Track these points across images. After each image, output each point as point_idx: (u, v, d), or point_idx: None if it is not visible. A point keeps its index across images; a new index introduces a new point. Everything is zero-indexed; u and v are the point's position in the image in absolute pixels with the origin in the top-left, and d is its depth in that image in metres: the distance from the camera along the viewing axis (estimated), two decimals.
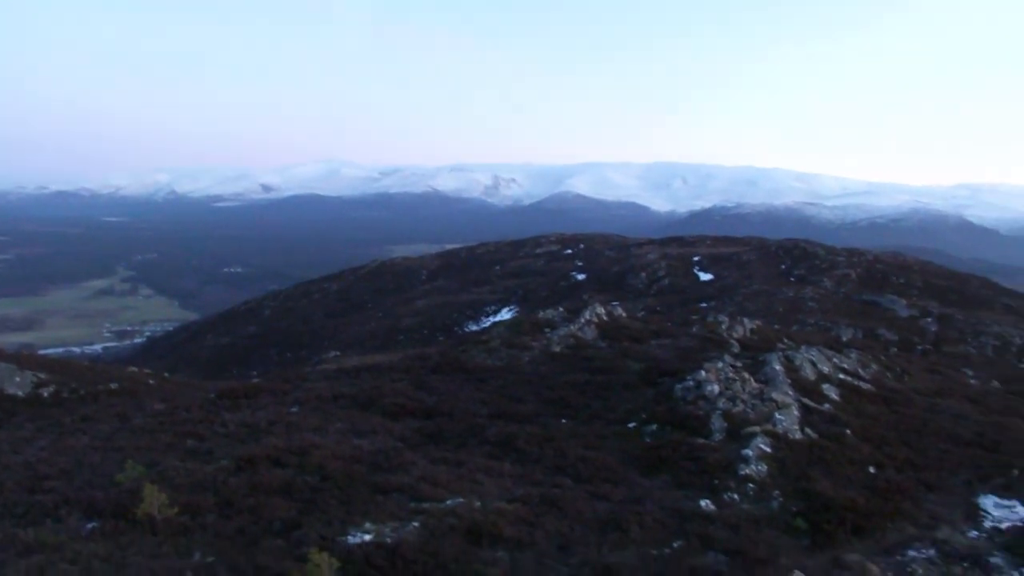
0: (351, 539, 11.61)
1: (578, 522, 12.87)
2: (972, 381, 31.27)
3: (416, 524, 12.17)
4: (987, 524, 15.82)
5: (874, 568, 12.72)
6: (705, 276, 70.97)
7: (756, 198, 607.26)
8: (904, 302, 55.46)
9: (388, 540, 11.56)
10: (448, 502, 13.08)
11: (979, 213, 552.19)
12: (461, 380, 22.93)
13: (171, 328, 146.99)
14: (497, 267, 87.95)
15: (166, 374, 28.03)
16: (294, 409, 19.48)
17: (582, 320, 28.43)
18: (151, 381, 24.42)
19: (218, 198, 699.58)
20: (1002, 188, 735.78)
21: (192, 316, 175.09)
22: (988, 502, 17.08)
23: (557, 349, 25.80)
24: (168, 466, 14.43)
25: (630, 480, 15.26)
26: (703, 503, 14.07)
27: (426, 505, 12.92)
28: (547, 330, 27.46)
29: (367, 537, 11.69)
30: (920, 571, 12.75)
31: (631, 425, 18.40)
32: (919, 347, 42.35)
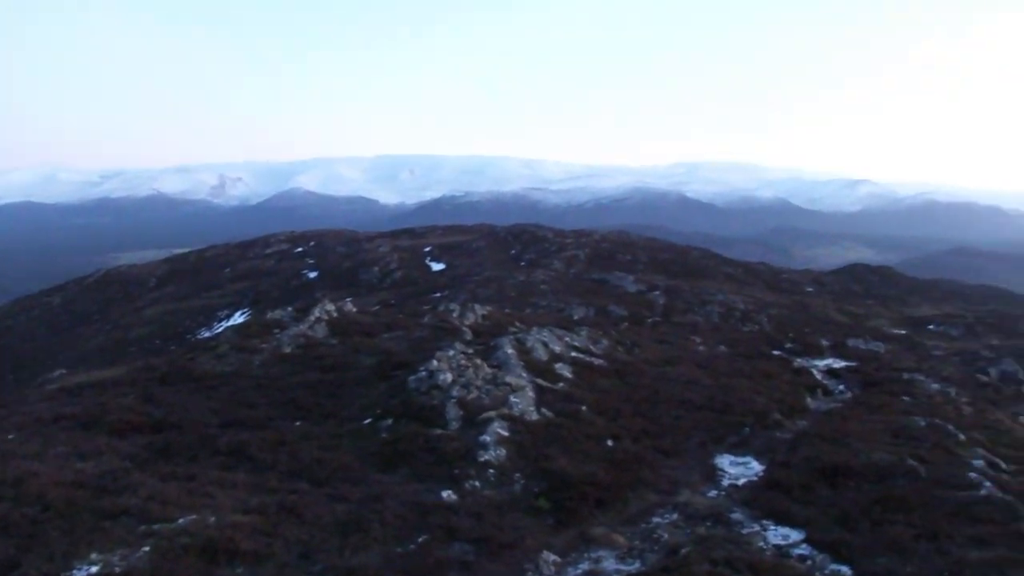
0: (76, 573, 10.76)
1: (318, 527, 12.51)
2: (700, 348, 33.11)
3: (147, 548, 11.42)
4: (725, 482, 16.77)
5: (620, 538, 13.09)
6: (437, 266, 71.99)
7: (483, 186, 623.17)
8: (632, 278, 58.15)
9: (117, 569, 10.79)
10: (180, 521, 12.38)
11: (697, 189, 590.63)
12: (190, 389, 21.91)
13: None
14: (227, 270, 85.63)
15: None
16: (11, 436, 17.91)
17: (312, 318, 27.89)
18: None
19: None
20: (717, 164, 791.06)
21: None
22: (724, 461, 18.13)
23: (288, 350, 25.16)
24: None
25: (369, 478, 15.01)
26: (445, 494, 14.02)
27: (157, 526, 12.16)
28: (276, 331, 26.75)
29: (94, 569, 10.86)
30: (665, 535, 13.24)
31: (366, 421, 18.16)
32: (649, 320, 44.46)
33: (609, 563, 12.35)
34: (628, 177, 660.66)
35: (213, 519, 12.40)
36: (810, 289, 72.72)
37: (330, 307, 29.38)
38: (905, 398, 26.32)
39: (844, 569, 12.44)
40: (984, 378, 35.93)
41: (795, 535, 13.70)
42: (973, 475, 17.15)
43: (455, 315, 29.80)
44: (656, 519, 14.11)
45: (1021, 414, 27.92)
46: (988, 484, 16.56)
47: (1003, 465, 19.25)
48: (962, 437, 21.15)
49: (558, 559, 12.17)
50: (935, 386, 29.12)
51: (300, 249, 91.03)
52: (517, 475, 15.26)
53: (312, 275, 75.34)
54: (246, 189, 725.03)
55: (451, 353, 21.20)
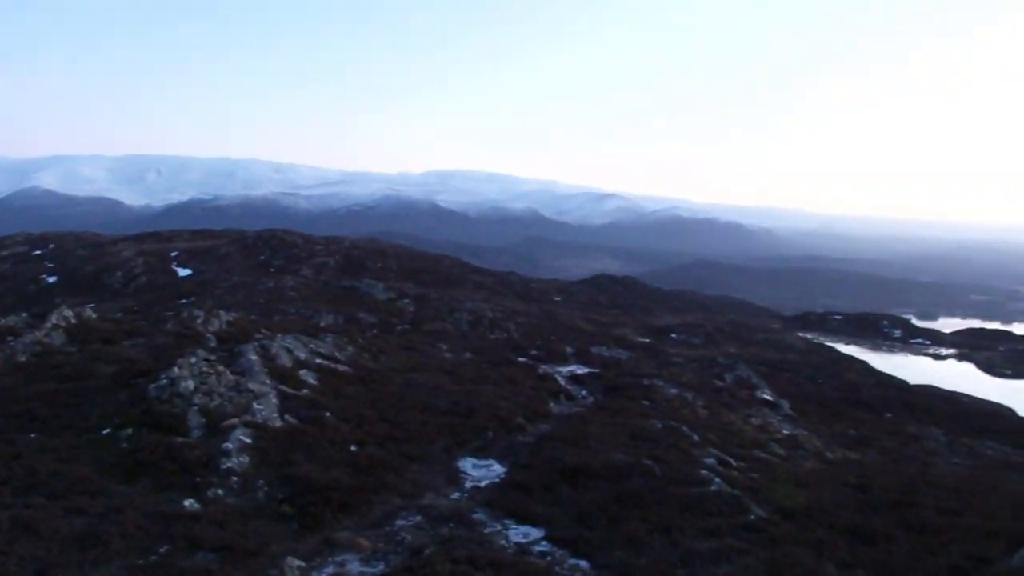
0: None
1: (55, 542, 12.14)
2: (447, 355, 33.86)
3: None
4: (468, 484, 17.42)
5: (364, 542, 13.37)
6: (184, 271, 70.20)
7: (233, 190, 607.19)
8: (382, 285, 58.47)
9: None
10: None
11: (449, 198, 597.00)
12: None
13: None
14: None
15: None
16: None
17: (49, 325, 26.65)
18: None
19: None
20: (469, 174, 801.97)
21: None
22: (467, 464, 18.81)
23: (23, 358, 23.93)
24: None
25: (108, 489, 14.63)
26: (187, 503, 13.89)
27: None
28: (10, 339, 25.38)
29: None
30: (409, 537, 13.63)
31: (105, 431, 17.62)
32: (398, 327, 44.88)
33: (354, 566, 12.61)
34: (381, 184, 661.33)
35: None
36: (558, 298, 75.30)
37: (68, 313, 28.23)
38: (644, 402, 27.91)
39: (582, 563, 13.22)
40: (720, 383, 38.32)
41: (536, 533, 14.44)
42: (704, 472, 18.54)
43: (199, 321, 29.31)
44: (400, 522, 14.47)
45: (752, 416, 30.10)
46: (718, 480, 17.96)
47: (733, 463, 20.88)
48: (696, 438, 22.73)
49: (303, 564, 12.31)
50: (673, 391, 30.96)
51: (38, 252, 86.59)
52: (261, 482, 15.27)
53: (51, 279, 71.91)
54: None
55: (193, 360, 20.86)
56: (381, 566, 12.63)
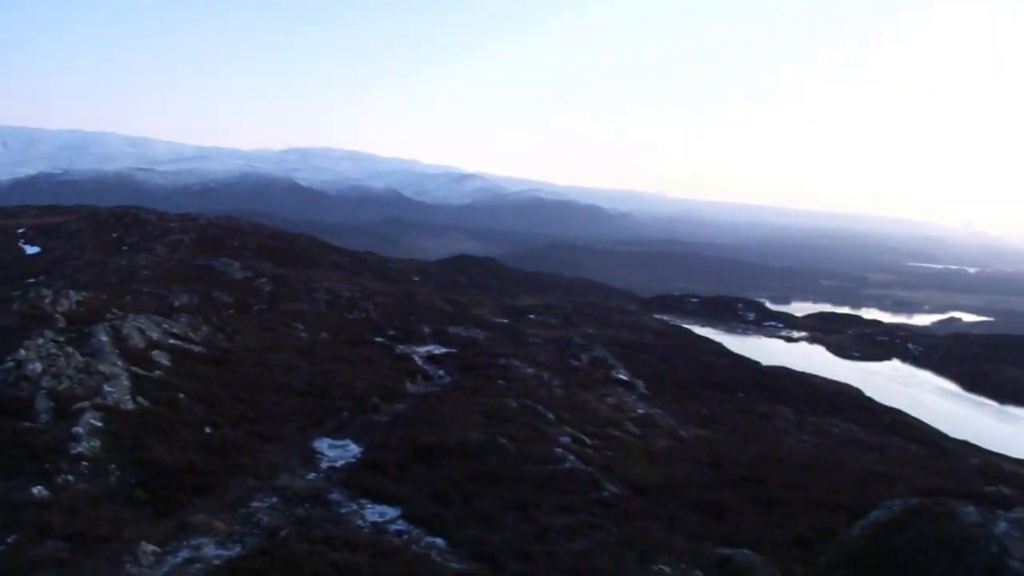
0: None
1: None
2: (303, 335, 33.66)
3: None
4: (324, 465, 17.48)
5: (219, 524, 13.32)
6: (32, 249, 67.71)
7: (86, 164, 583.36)
8: (238, 264, 57.48)
9: None
10: None
11: (308, 176, 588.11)
12: None
13: None
14: None
15: None
16: None
17: None
18: None
19: None
20: (329, 152, 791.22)
21: None
22: (323, 444, 18.86)
23: None
24: None
25: None
26: (35, 490, 13.57)
27: None
28: None
29: None
30: (265, 519, 13.65)
31: None
32: (255, 307, 44.24)
33: (209, 549, 12.57)
34: (238, 161, 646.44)
35: None
36: (417, 278, 75.39)
37: None
38: (500, 382, 28.36)
39: (438, 541, 13.50)
40: (576, 363, 39.11)
41: (392, 512, 14.67)
42: (559, 451, 19.06)
43: (48, 301, 28.41)
44: (255, 503, 14.46)
45: (608, 396, 30.85)
46: (573, 458, 18.49)
47: (588, 441, 21.46)
48: (551, 417, 23.23)
49: (157, 549, 12.22)
50: (530, 371, 31.50)
51: None
52: (112, 466, 15.02)
53: None
54: None
55: (41, 342, 20.32)
56: (237, 548, 12.62)
